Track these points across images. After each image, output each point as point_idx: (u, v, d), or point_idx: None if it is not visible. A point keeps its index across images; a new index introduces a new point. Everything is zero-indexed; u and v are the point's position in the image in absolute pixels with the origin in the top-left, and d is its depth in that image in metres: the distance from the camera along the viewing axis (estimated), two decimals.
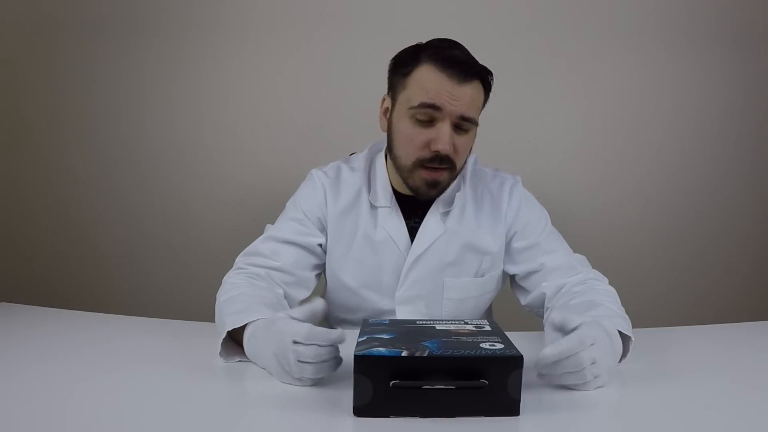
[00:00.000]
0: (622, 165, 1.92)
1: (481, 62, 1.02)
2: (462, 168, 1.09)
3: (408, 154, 1.03)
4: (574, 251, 1.13)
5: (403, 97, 1.03)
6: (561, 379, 0.77)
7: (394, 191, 1.12)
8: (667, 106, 1.89)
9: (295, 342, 0.75)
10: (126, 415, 0.69)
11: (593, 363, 0.75)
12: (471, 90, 0.99)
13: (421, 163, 1.01)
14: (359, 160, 1.17)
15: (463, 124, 1.01)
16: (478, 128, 1.06)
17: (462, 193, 1.12)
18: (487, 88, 1.05)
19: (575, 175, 1.91)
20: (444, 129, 0.98)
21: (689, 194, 1.93)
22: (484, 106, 1.08)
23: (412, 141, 1.01)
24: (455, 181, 1.13)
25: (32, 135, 1.96)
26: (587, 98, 1.89)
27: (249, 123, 1.91)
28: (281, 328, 0.78)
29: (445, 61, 0.98)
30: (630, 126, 1.90)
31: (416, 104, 0.99)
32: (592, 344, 0.76)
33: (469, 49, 1.04)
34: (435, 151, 0.99)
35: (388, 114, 1.08)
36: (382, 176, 1.13)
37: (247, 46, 1.88)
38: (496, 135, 1.83)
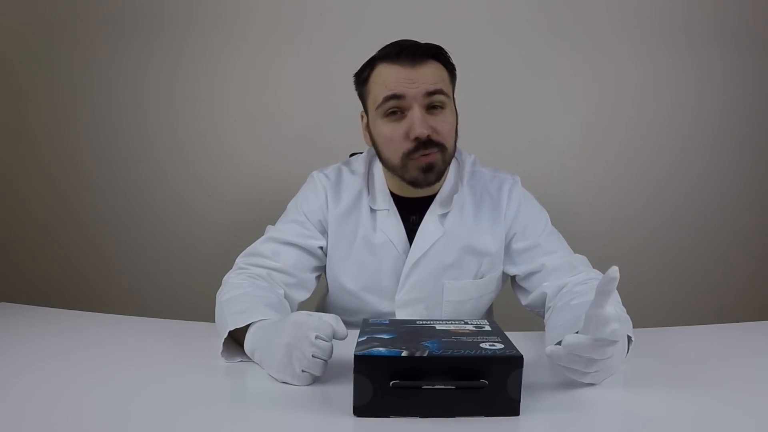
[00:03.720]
0: (622, 165, 1.92)
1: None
2: (455, 149, 1.09)
3: (393, 152, 1.03)
4: (574, 251, 1.13)
5: (370, 103, 1.05)
6: (573, 363, 0.74)
7: (393, 194, 1.12)
8: (667, 106, 1.89)
9: (317, 337, 0.76)
10: (126, 414, 0.69)
11: (609, 358, 0.74)
12: (427, 69, 1.01)
13: (408, 156, 1.02)
14: (359, 163, 1.17)
15: (433, 100, 1.01)
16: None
17: (460, 194, 1.12)
18: (448, 67, 1.05)
19: (575, 175, 1.91)
20: (415, 114, 0.99)
21: (689, 194, 1.93)
22: (454, 85, 1.08)
23: (392, 139, 1.02)
24: (452, 182, 1.13)
25: (32, 135, 1.96)
26: (587, 98, 1.89)
27: (249, 123, 1.91)
28: (303, 321, 0.78)
29: (393, 53, 1.01)
30: (630, 126, 1.90)
31: (381, 100, 1.01)
32: (617, 342, 0.75)
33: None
34: (415, 139, 1.00)
35: (368, 127, 1.10)
36: (380, 179, 1.13)
37: (247, 46, 1.88)
38: (496, 135, 1.84)
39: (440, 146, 1.02)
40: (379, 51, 1.05)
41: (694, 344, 1.04)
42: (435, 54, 1.03)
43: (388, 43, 1.06)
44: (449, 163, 1.08)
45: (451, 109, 1.05)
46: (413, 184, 1.05)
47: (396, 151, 1.02)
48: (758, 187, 1.93)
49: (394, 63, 1.01)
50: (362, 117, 1.12)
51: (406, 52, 1.00)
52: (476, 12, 1.84)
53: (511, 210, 1.13)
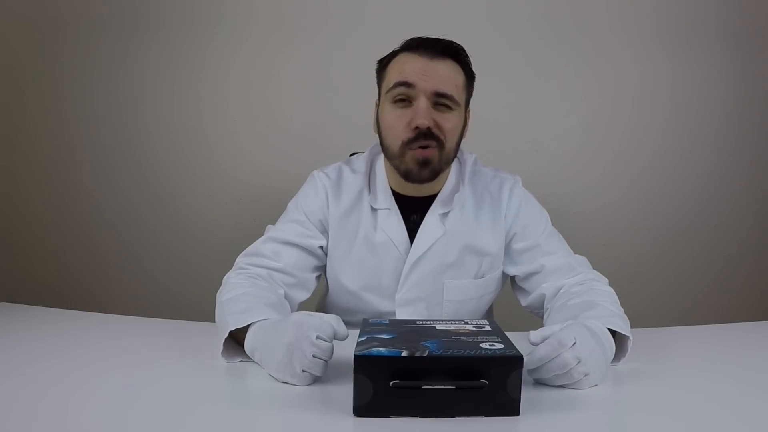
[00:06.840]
0: (622, 165, 1.92)
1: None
2: (455, 153, 1.08)
3: (394, 139, 1.03)
4: (575, 251, 1.13)
5: (384, 86, 1.07)
6: (552, 381, 0.78)
7: (394, 193, 1.12)
8: (666, 106, 1.89)
9: (318, 337, 0.77)
10: (127, 415, 0.69)
11: (579, 362, 0.76)
12: (444, 67, 1.02)
13: (407, 145, 1.02)
14: (360, 162, 1.17)
15: (442, 101, 1.01)
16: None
17: (461, 194, 1.12)
18: (466, 71, 1.06)
19: (575, 175, 1.91)
20: (420, 104, 1.00)
21: (689, 194, 1.93)
22: (470, 92, 1.09)
23: (394, 125, 1.03)
24: (454, 182, 1.13)
25: (32, 135, 1.96)
26: (587, 98, 1.89)
27: (249, 123, 1.91)
28: (304, 321, 0.78)
29: (414, 44, 1.04)
30: (630, 126, 1.90)
31: (392, 85, 1.02)
32: (574, 344, 0.76)
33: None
34: (416, 128, 1.00)
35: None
36: (382, 178, 1.13)
37: (247, 45, 1.88)
38: (496, 135, 1.84)
39: (439, 141, 1.02)
40: (403, 42, 1.07)
41: (694, 344, 1.04)
42: (454, 54, 1.04)
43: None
44: (447, 164, 1.08)
45: (459, 114, 1.05)
46: (407, 176, 1.04)
47: (396, 138, 1.03)
48: (757, 187, 1.93)
49: (414, 52, 1.02)
50: (376, 105, 1.12)
51: (426, 44, 1.02)
52: (477, 12, 1.85)
53: (511, 210, 1.13)
